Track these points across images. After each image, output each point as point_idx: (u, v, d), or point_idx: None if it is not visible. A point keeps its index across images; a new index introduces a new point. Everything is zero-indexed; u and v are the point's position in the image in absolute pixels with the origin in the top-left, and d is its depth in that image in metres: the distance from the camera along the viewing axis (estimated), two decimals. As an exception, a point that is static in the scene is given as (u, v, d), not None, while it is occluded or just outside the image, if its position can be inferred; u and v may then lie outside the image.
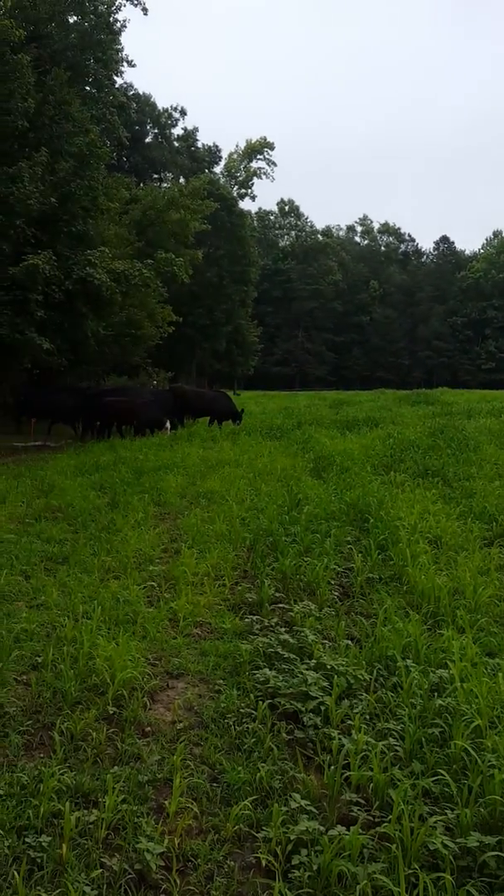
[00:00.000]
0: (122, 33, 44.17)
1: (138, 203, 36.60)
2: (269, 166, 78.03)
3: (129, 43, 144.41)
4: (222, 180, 74.56)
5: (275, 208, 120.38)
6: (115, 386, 31.86)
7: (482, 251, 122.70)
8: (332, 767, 4.54)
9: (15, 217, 22.86)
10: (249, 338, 75.55)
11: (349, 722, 5.07)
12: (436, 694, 5.38)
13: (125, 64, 48.53)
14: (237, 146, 78.66)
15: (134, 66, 45.98)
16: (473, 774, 4.37)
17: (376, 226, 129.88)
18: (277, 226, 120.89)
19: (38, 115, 26.55)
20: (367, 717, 5.21)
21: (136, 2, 40.96)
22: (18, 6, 29.22)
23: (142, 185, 40.39)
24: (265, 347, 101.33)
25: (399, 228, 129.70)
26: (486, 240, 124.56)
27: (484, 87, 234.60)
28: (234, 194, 74.69)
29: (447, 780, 4.37)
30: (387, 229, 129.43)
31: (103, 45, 34.82)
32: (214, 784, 4.58)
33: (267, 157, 77.76)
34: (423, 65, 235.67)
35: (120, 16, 43.48)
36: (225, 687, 5.74)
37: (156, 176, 67.66)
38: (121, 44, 45.38)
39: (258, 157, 77.64)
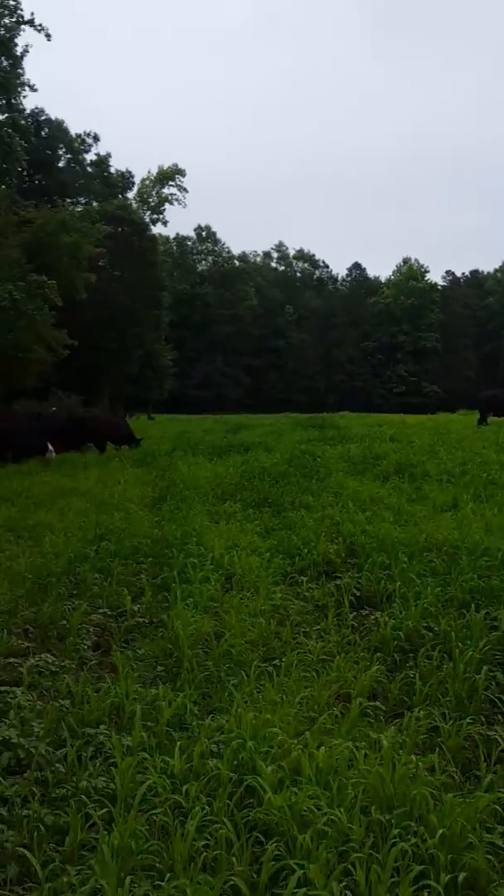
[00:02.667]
0: (24, 58, 43.98)
1: (29, 226, 35.78)
2: (181, 192, 77.78)
3: (58, 71, 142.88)
4: (134, 205, 74.06)
5: (192, 234, 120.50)
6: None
7: (392, 277, 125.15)
8: None
9: None
10: (163, 361, 74.86)
11: None
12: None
13: (27, 88, 48.07)
14: (149, 172, 78.31)
15: (36, 90, 45.23)
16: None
17: (292, 252, 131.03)
18: (195, 251, 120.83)
19: None
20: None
21: (38, 27, 40.70)
22: None
23: (35, 207, 39.28)
24: (183, 371, 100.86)
25: (314, 255, 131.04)
26: (396, 266, 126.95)
27: (400, 116, 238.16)
28: (147, 219, 74.30)
29: None
30: (302, 256, 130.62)
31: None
32: None
33: (178, 183, 77.48)
34: (337, 93, 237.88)
35: (21, 41, 42.73)
36: None
37: (68, 200, 66.87)
38: (22, 68, 44.99)
39: (170, 183, 77.33)
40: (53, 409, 38.27)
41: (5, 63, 40.47)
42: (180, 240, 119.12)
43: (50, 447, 23.80)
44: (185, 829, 3.82)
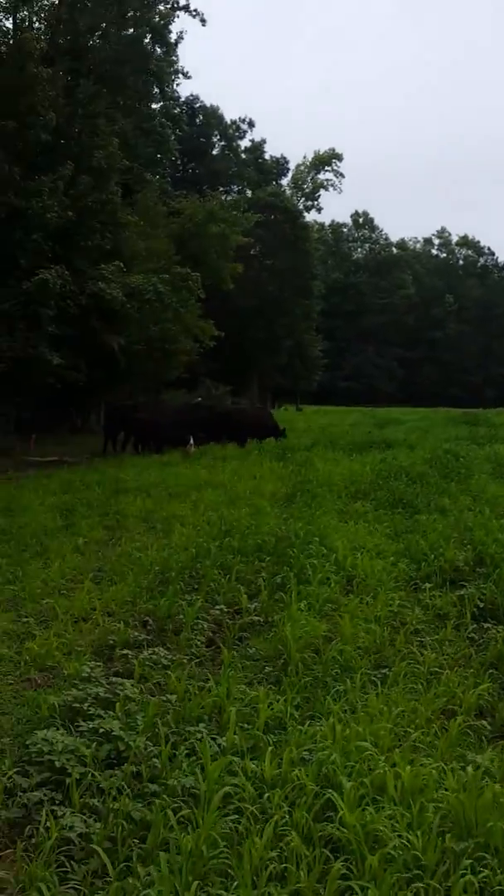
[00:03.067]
0: (178, 45, 44.75)
1: (178, 216, 36.61)
2: (337, 177, 77.27)
3: (208, 55, 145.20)
4: (288, 192, 74.27)
5: (349, 220, 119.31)
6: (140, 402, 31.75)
7: None
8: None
9: (33, 231, 23.05)
10: (313, 352, 74.83)
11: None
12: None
13: (181, 76, 49.01)
14: (305, 157, 78.15)
15: (189, 77, 46.19)
16: None
17: (455, 238, 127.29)
18: (351, 238, 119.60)
19: (68, 128, 26.79)
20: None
21: (193, 13, 41.15)
22: (57, 18, 29.56)
23: (185, 198, 40.18)
24: (334, 362, 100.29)
25: (478, 242, 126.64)
26: None
27: None
28: (300, 206, 74.34)
29: None
30: (465, 242, 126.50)
31: (145, 56, 34.86)
32: None
33: (335, 168, 77.06)
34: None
35: (176, 27, 43.57)
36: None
37: (221, 188, 67.86)
38: (176, 55, 45.85)
39: (326, 168, 76.99)
40: (198, 399, 39.05)
41: (159, 51, 41.05)
42: (335, 227, 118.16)
43: (191, 440, 24.39)
44: (257, 838, 3.88)
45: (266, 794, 4.40)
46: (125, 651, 7.02)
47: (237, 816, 4.25)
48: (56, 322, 22.80)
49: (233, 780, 4.59)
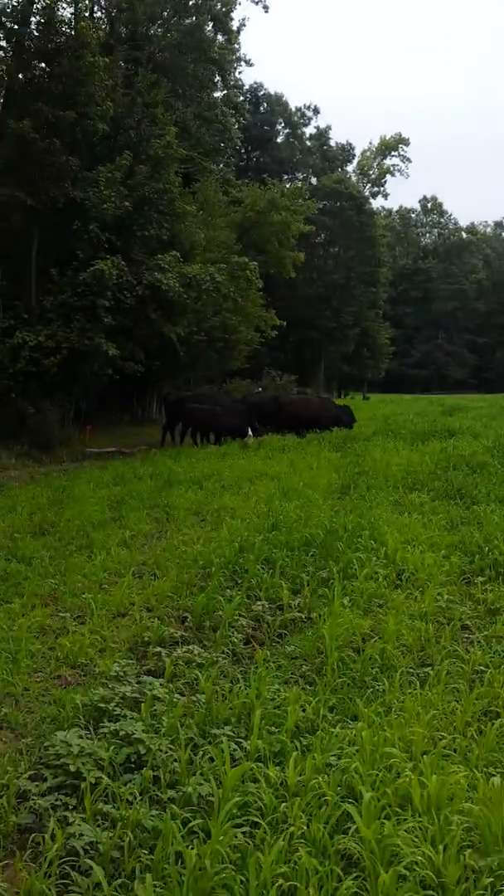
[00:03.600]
0: (241, 32, 44.55)
1: (239, 205, 36.41)
2: (404, 163, 76.44)
3: (271, 44, 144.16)
4: (354, 178, 73.54)
5: (417, 206, 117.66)
6: (197, 392, 31.61)
7: None
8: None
9: (90, 222, 23.10)
10: (380, 340, 74.09)
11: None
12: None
13: (243, 63, 48.79)
14: (370, 143, 77.44)
15: (252, 65, 46.50)
16: None
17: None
18: (419, 224, 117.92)
19: (126, 118, 26.77)
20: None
21: (255, 0, 40.91)
22: (117, 7, 29.60)
23: (245, 186, 40.00)
24: (402, 350, 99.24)
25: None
26: None
27: None
28: (366, 193, 73.55)
29: None
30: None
31: (205, 44, 34.72)
32: None
33: (402, 153, 76.11)
34: None
35: (238, 14, 43.41)
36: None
37: (286, 176, 67.50)
38: (238, 43, 45.67)
39: (392, 154, 76.11)
40: (259, 389, 38.86)
41: (221, 39, 40.90)
42: (403, 212, 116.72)
43: (249, 431, 24.17)
44: (265, 852, 3.65)
45: (283, 806, 4.15)
46: (158, 649, 6.84)
47: (250, 828, 4.02)
48: (112, 313, 22.77)
49: (252, 788, 4.38)
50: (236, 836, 3.87)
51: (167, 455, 21.14)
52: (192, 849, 3.73)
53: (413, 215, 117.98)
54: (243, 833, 3.92)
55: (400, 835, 3.67)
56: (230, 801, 4.05)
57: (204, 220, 32.20)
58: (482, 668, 6.32)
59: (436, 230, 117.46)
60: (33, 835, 4.16)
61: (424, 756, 4.53)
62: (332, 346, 65.62)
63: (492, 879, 3.41)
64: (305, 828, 3.95)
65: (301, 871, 3.52)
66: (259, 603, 8.08)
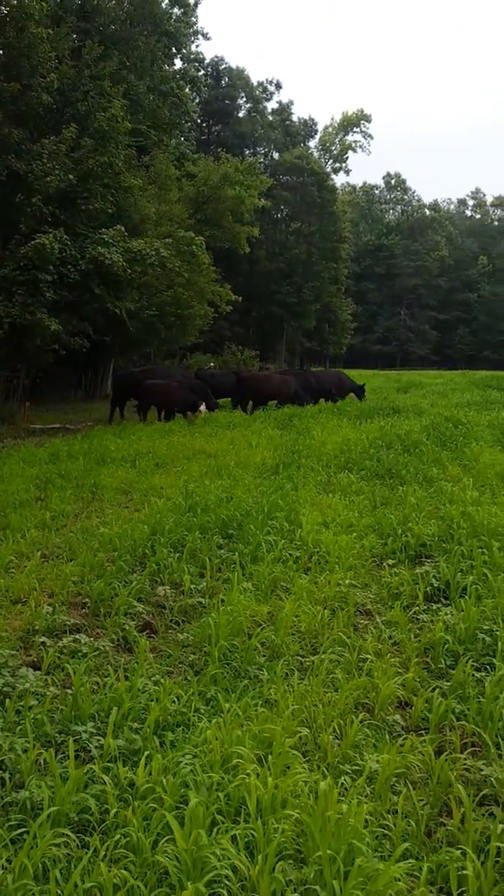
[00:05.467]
0: (198, 6, 43.89)
1: (193, 179, 35.91)
2: (366, 139, 75.94)
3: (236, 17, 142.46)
4: (316, 154, 72.92)
5: (380, 182, 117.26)
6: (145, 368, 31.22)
7: None
8: None
9: (33, 195, 22.59)
10: (342, 316, 73.87)
11: None
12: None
13: (200, 37, 48.05)
14: (332, 119, 76.90)
15: (209, 38, 45.77)
16: None
17: (489, 199, 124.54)
18: (383, 200, 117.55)
19: (73, 91, 26.18)
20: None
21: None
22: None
23: (199, 160, 39.47)
24: (366, 325, 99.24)
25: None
26: None
27: None
28: (328, 169, 73.03)
29: None
30: (501, 202, 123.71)
31: (158, 17, 34.06)
32: None
33: (363, 129, 75.58)
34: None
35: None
36: None
37: (248, 151, 66.77)
38: (196, 16, 44.98)
39: (354, 129, 75.51)
40: (210, 365, 38.56)
41: (177, 12, 40.27)
42: (367, 189, 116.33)
43: (202, 406, 23.92)
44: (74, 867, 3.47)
45: (114, 810, 3.98)
46: (43, 639, 6.63)
47: (79, 836, 3.84)
48: (56, 287, 22.32)
49: (96, 790, 4.21)
50: (57, 847, 3.67)
51: (110, 431, 20.81)
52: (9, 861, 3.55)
53: (377, 192, 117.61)
54: (64, 843, 3.72)
55: (221, 844, 3.50)
56: (54, 808, 3.86)
57: (155, 195, 31.67)
58: (367, 656, 6.19)
59: (399, 207, 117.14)
60: None
61: (270, 756, 4.36)
62: (294, 321, 65.26)
63: (304, 888, 3.25)
64: (139, 835, 3.78)
65: (107, 885, 3.34)
66: (161, 588, 7.90)
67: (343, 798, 3.88)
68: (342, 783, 4.22)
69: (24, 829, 3.86)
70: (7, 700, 5.29)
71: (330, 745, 4.68)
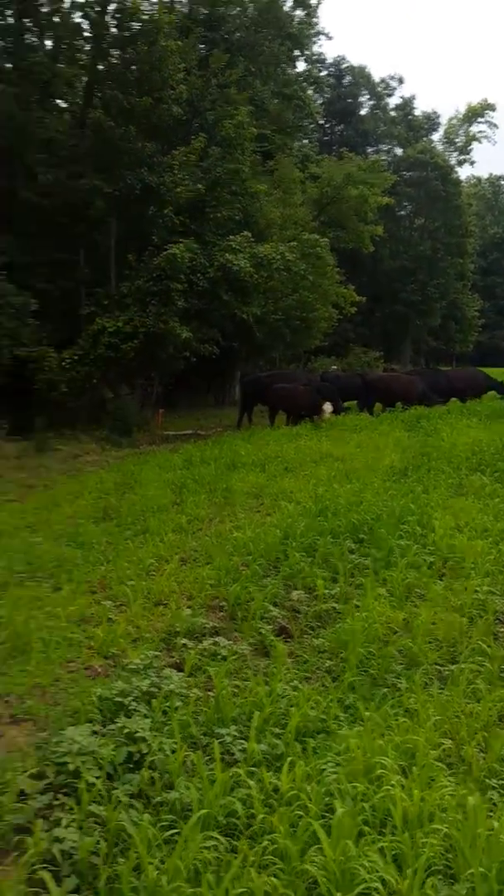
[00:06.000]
0: (320, 6, 43.81)
1: (317, 181, 35.94)
2: (491, 129, 73.74)
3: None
4: (440, 147, 71.44)
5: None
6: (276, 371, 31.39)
7: None
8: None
9: (164, 206, 23.21)
10: (469, 312, 72.18)
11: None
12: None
13: (322, 37, 48.01)
14: (457, 111, 75.18)
15: (331, 38, 45.92)
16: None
17: None
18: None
19: (201, 101, 26.70)
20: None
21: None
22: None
23: (322, 161, 39.42)
24: (494, 321, 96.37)
25: None
26: None
27: None
28: (452, 161, 71.41)
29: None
30: None
31: (282, 20, 34.28)
32: None
33: (488, 119, 73.41)
34: None
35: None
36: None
37: (370, 149, 66.19)
38: (317, 17, 44.99)
39: (479, 120, 73.46)
40: (333, 367, 38.38)
41: (300, 13, 40.35)
42: (493, 180, 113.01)
43: (326, 409, 23.88)
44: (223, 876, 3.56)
45: (260, 816, 4.06)
46: (184, 640, 6.81)
47: (228, 840, 3.94)
48: (186, 296, 22.85)
49: (241, 794, 4.31)
50: (207, 850, 3.78)
51: (239, 436, 21.13)
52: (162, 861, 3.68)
53: (503, 182, 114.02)
54: (214, 846, 3.83)
55: (369, 856, 3.53)
56: (203, 810, 3.98)
57: (280, 198, 31.87)
58: (509, 667, 6.08)
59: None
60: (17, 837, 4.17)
61: (414, 768, 4.36)
62: (419, 320, 64.21)
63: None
64: (287, 842, 3.85)
65: (258, 892, 3.43)
66: (296, 592, 7.98)
67: (492, 814, 3.84)
68: (490, 798, 4.18)
69: (175, 831, 3.99)
70: (153, 700, 5.47)
71: (475, 758, 4.62)
